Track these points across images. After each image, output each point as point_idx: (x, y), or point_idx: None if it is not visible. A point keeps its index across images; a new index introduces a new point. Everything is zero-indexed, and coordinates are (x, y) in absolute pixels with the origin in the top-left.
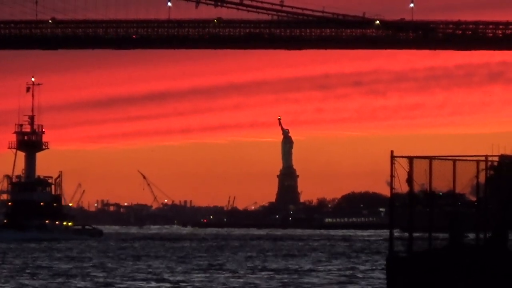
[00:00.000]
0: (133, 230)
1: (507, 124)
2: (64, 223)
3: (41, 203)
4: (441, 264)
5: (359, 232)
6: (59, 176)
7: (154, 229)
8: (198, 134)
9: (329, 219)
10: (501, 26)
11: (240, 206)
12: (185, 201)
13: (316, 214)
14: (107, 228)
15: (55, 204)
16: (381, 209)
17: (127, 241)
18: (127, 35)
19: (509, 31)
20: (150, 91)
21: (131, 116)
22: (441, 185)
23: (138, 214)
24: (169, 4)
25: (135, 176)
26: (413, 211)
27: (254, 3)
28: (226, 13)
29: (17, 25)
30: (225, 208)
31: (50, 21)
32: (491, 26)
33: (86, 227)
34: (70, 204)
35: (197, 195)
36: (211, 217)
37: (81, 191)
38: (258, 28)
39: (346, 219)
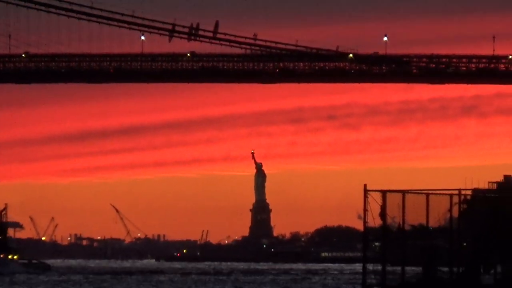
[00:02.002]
0: (109, 264)
1: (481, 158)
2: (10, 256)
3: None
4: None
5: (357, 266)
6: (4, 209)
7: (126, 263)
8: (172, 168)
9: (325, 253)
10: (474, 60)
11: (214, 240)
12: (158, 235)
13: (312, 248)
14: (78, 262)
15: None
16: (376, 244)
17: (68, 275)
18: (100, 68)
19: (482, 65)
20: (123, 124)
21: (105, 150)
22: (414, 219)
23: (111, 248)
24: (143, 38)
25: (109, 210)
26: (386, 245)
27: (227, 37)
28: (199, 46)
29: None
30: (198, 242)
31: (23, 55)
32: (464, 60)
33: (33, 261)
34: (43, 238)
35: (171, 229)
36: (185, 251)
37: (54, 225)
38: (231, 62)
39: (342, 253)
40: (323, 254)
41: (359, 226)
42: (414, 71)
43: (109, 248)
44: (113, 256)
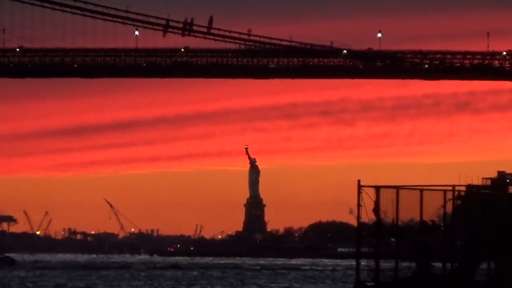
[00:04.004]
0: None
1: (475, 154)
2: None
3: None
4: None
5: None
6: None
7: (117, 258)
8: (166, 163)
9: (341, 248)
10: (468, 56)
11: (207, 235)
12: (152, 230)
13: (330, 244)
14: (73, 257)
15: None
16: (392, 239)
17: (26, 270)
18: (94, 63)
19: (476, 61)
20: (117, 119)
21: (99, 145)
22: (408, 214)
23: (105, 243)
24: (137, 33)
25: (102, 205)
26: (380, 240)
27: (221, 32)
28: (193, 42)
29: None
30: (192, 237)
31: (17, 49)
32: (458, 56)
33: None
34: (37, 232)
35: (164, 224)
36: (178, 246)
37: (48, 220)
38: (225, 57)
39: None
40: (339, 250)
41: (353, 221)
42: (408, 67)
43: (106, 243)
44: (103, 251)
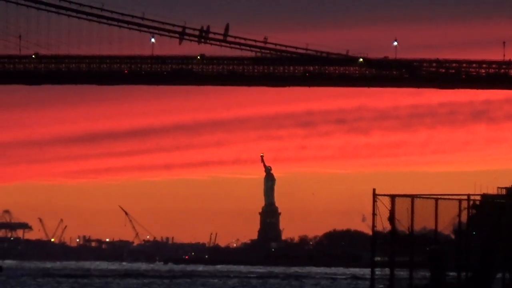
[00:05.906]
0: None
1: (490, 163)
2: None
3: None
4: None
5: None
6: None
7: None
8: (181, 171)
9: (378, 258)
10: (484, 65)
11: (222, 243)
12: (167, 238)
13: (364, 253)
14: (89, 264)
15: None
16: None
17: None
18: (110, 70)
19: (492, 70)
20: (132, 127)
21: (114, 152)
22: (423, 223)
23: (120, 251)
24: (153, 40)
25: (117, 212)
26: (394, 249)
27: (237, 40)
28: (209, 49)
29: (0, 60)
30: (207, 245)
31: (33, 56)
32: (474, 65)
33: None
34: (52, 239)
35: (179, 232)
36: (193, 253)
37: (63, 227)
38: (241, 65)
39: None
40: (376, 259)
41: (368, 230)
42: (424, 75)
43: (123, 250)
44: (120, 259)
